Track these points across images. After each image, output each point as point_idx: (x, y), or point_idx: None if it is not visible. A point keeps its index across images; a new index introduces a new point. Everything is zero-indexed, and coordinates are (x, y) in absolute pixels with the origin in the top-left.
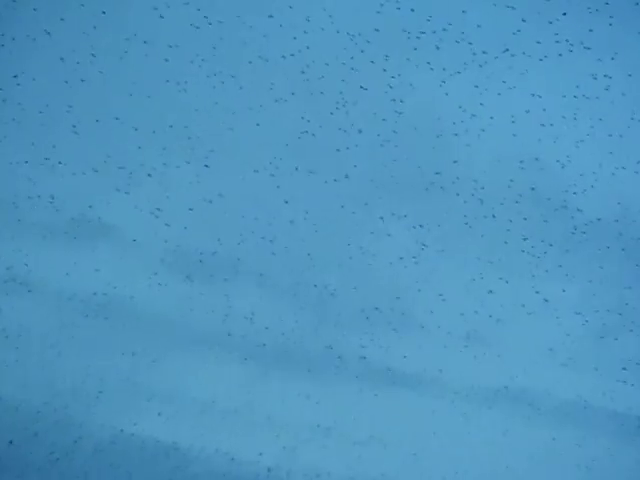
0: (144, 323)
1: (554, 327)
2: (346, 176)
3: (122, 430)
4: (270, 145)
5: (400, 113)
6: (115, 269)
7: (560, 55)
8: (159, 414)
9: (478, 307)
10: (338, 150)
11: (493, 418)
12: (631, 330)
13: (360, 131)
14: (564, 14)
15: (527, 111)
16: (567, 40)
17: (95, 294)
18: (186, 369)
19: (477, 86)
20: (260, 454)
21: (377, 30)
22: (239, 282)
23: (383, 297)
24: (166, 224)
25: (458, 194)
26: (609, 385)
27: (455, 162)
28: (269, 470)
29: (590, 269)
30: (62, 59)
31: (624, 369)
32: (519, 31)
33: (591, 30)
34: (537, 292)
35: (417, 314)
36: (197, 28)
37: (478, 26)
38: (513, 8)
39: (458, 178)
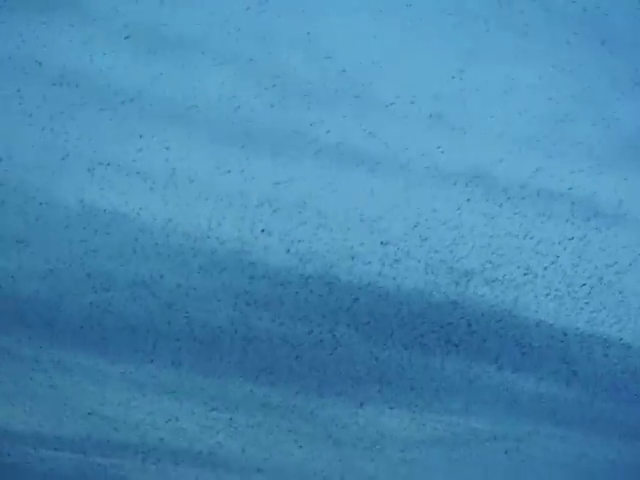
0: (113, 95)
1: (516, 109)
2: None
3: (82, 200)
4: None
5: None
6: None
7: None
8: (121, 187)
9: (444, 89)
10: None
11: (456, 193)
12: (589, 115)
13: None
14: None
15: None
16: None
17: (64, 66)
18: (154, 143)
19: None
20: (219, 225)
21: None
22: (204, 61)
23: (347, 74)
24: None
25: None
26: (565, 169)
27: None
28: (222, 243)
29: (555, 54)
30: None
31: (580, 151)
32: None
33: None
34: (501, 75)
35: (382, 93)
36: None
37: None
38: None
39: None
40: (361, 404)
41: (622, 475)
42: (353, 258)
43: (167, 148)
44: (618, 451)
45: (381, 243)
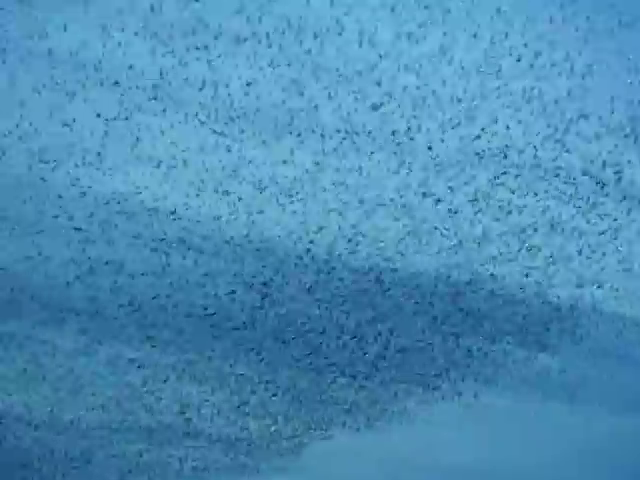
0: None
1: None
2: None
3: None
4: None
5: None
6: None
7: None
8: (119, 169)
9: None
10: None
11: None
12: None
13: None
14: None
15: None
16: None
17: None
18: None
19: None
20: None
21: None
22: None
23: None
24: None
25: None
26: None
27: None
28: (219, 226)
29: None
30: None
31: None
32: None
33: None
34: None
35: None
36: None
37: None
38: None
39: None
40: (360, 386)
41: (627, 445)
42: (350, 240)
43: (173, 134)
44: (621, 422)
45: (380, 222)
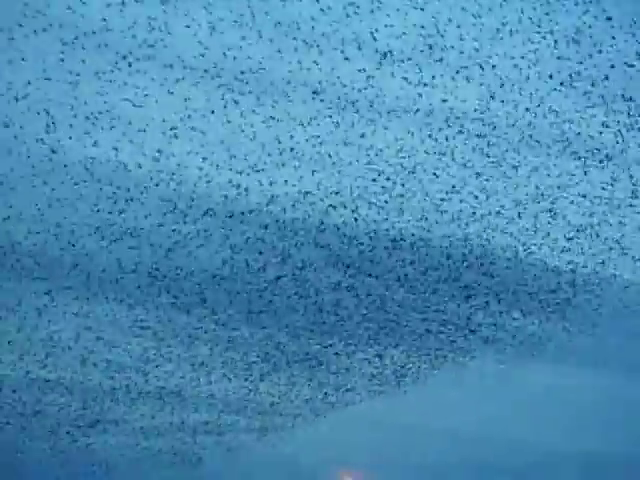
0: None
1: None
2: None
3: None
4: None
5: None
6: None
7: None
8: (114, 136)
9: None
10: None
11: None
12: None
13: None
14: None
15: None
16: None
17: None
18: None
19: None
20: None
21: None
22: None
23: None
24: None
25: None
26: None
27: None
28: (217, 189)
29: None
30: None
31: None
32: None
33: None
34: None
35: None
36: None
37: None
38: None
39: None
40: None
41: (621, 410)
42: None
43: (168, 95)
44: (618, 386)
45: (374, 185)
